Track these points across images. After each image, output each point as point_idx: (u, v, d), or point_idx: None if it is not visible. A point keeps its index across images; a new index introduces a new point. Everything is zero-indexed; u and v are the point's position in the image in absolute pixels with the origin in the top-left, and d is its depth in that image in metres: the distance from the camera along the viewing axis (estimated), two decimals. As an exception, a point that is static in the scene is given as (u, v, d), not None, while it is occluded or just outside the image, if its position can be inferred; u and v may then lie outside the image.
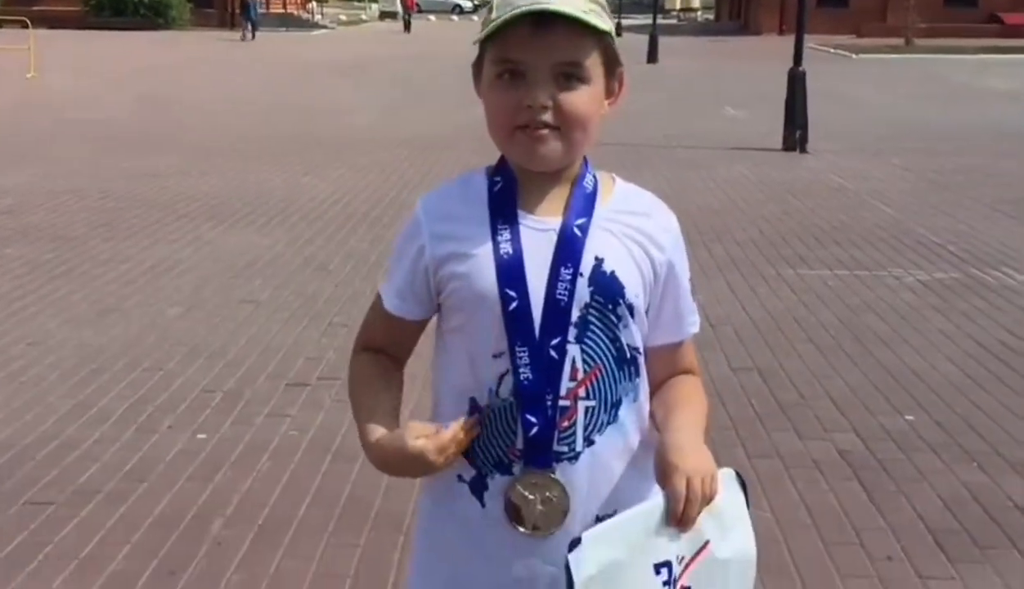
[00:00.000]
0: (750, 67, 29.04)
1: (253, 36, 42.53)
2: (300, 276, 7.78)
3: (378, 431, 1.79)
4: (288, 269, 7.99)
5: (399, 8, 65.31)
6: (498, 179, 1.82)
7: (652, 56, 31.60)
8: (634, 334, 1.83)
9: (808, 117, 14.61)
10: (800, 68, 14.86)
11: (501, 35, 1.72)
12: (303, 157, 13.39)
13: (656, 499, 1.74)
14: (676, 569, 1.71)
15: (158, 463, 4.68)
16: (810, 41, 17.41)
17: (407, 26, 52.39)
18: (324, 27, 52.26)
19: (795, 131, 14.56)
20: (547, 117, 1.73)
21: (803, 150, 14.39)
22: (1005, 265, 8.31)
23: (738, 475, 1.81)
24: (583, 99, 1.76)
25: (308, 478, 4.54)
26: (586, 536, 1.66)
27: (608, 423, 1.81)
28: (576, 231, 1.79)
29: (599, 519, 1.77)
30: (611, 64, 1.81)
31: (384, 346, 1.92)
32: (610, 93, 1.83)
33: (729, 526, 1.77)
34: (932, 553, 3.99)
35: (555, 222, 1.79)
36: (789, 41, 16.47)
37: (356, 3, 68.65)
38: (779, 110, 15.01)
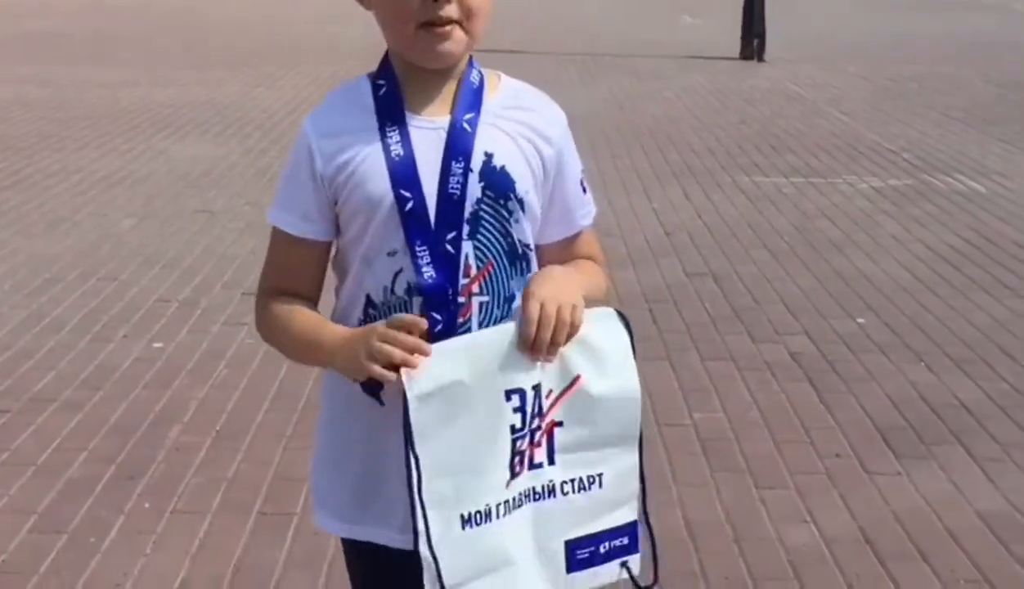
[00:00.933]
0: (708, -24, 28.78)
1: None
2: (254, 186, 7.71)
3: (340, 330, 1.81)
4: (242, 179, 7.93)
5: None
6: (382, 82, 1.81)
7: (610, -36, 31.22)
8: (525, 229, 1.85)
9: (766, 25, 14.55)
10: (758, -26, 14.76)
11: None
12: (257, 67, 13.20)
13: (510, 323, 1.74)
14: (532, 398, 1.71)
15: (114, 371, 4.68)
16: (768, -52, 17.26)
17: None
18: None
19: (752, 40, 14.51)
20: (451, 11, 1.73)
21: (760, 59, 14.35)
22: (957, 171, 8.39)
23: (621, 315, 1.80)
24: None
25: (265, 384, 4.56)
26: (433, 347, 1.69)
27: (501, 318, 1.82)
28: (465, 126, 1.80)
29: None
30: None
31: (292, 283, 1.87)
32: None
33: (607, 364, 1.76)
34: (879, 450, 4.08)
35: (443, 120, 1.80)
36: (747, -52, 16.31)
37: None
38: (737, 18, 14.93)
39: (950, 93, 11.95)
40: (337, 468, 1.88)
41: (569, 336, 1.73)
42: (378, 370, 1.68)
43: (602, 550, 1.81)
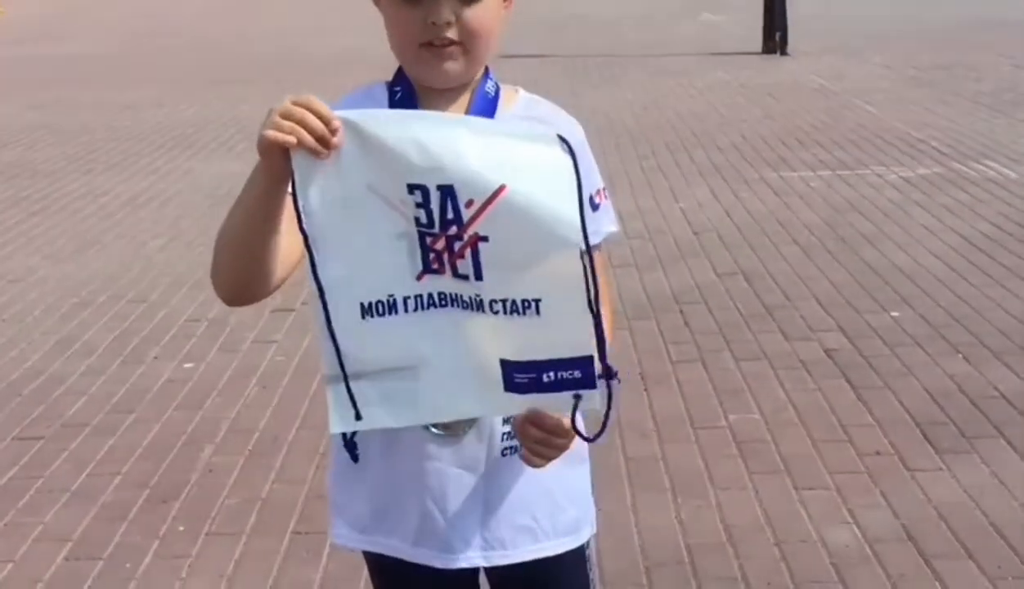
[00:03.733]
0: (728, -29, 28.69)
1: None
2: (281, 201, 7.70)
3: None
4: (268, 195, 7.91)
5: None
6: (398, 89, 1.81)
7: (628, -36, 31.18)
8: None
9: (787, 19, 14.47)
10: (778, -32, 14.69)
11: None
12: (277, 81, 13.22)
13: (436, 114, 1.63)
14: (439, 198, 1.52)
15: (146, 393, 4.68)
16: (787, -59, 17.20)
17: None
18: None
19: (775, 33, 14.43)
20: (451, 33, 1.71)
21: (783, 52, 14.28)
22: (986, 158, 8.29)
23: (563, 140, 1.54)
24: (485, 12, 1.73)
25: (296, 402, 4.55)
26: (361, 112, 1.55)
27: None
28: None
29: (505, 421, 1.76)
30: None
31: None
32: None
33: (540, 178, 1.52)
34: (919, 445, 4.02)
35: None
36: (766, -58, 16.23)
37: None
38: (758, 13, 14.86)
39: (976, 79, 11.83)
40: (352, 480, 1.87)
41: (538, 445, 1.64)
42: (274, 135, 1.53)
43: (546, 379, 1.57)
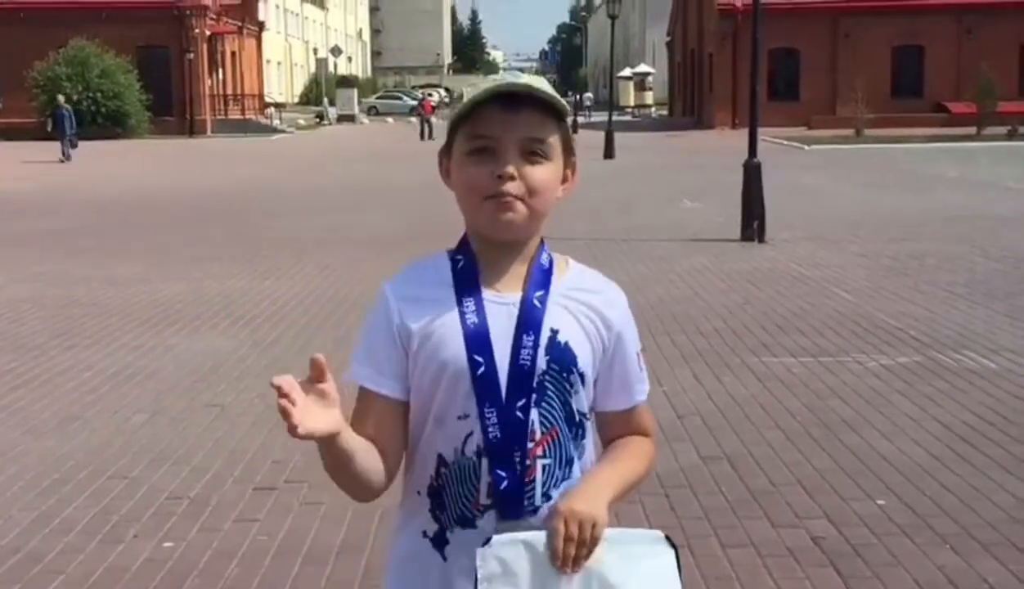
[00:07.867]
0: (705, 160, 29.48)
1: (67, 156, 33.48)
2: (264, 379, 7.68)
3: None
4: (252, 372, 7.94)
5: (356, 111, 66.03)
6: (460, 258, 2.00)
7: (609, 152, 32.01)
8: (582, 400, 2.01)
9: (765, 207, 14.81)
10: (755, 160, 15.11)
11: (474, 115, 1.91)
12: (265, 259, 13.39)
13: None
14: None
15: (124, 573, 4.59)
16: (763, 134, 17.74)
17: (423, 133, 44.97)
18: (283, 131, 52.58)
19: (752, 221, 14.74)
20: (513, 187, 1.91)
21: (761, 240, 14.56)
22: (965, 348, 8.40)
23: (668, 539, 1.88)
24: (546, 173, 1.95)
25: (278, 583, 4.47)
26: (496, 538, 1.81)
27: (563, 479, 1.97)
28: (536, 303, 1.96)
29: None
30: (568, 150, 2.00)
31: (367, 431, 1.98)
32: (564, 179, 2.01)
33: (647, 584, 1.83)
34: (911, 638, 3.97)
35: (514, 296, 1.97)
36: (742, 134, 16.76)
37: (314, 107, 69.30)
38: (736, 201, 15.22)
39: (951, 269, 12.07)
40: None
41: (589, 552, 1.84)
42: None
43: None
